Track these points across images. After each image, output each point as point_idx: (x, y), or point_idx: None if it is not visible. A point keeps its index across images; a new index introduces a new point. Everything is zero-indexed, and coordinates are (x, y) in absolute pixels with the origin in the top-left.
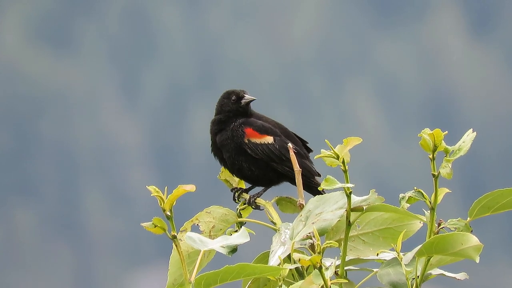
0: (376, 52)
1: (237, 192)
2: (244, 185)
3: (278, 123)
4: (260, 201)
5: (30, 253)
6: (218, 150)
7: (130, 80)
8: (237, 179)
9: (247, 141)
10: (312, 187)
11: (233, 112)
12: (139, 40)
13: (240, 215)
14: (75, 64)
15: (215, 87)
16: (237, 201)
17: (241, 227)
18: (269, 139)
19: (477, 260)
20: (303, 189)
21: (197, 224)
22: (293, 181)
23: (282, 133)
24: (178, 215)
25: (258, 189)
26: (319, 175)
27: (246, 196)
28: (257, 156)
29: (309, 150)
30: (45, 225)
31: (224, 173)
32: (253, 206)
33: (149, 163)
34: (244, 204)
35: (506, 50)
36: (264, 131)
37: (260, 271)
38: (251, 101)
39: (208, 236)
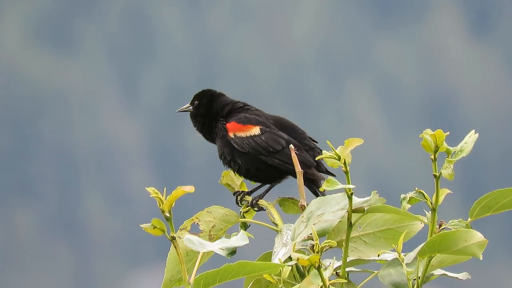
0: (376, 52)
1: (240, 196)
2: (246, 188)
3: (273, 115)
4: (262, 202)
5: (30, 253)
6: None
7: (130, 80)
8: (238, 182)
9: (233, 136)
10: (313, 180)
11: (194, 116)
12: (139, 40)
13: (244, 218)
14: (75, 64)
15: (215, 87)
16: (240, 204)
17: (245, 228)
18: (254, 130)
19: (481, 258)
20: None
21: (197, 223)
22: (292, 175)
23: (276, 125)
24: (178, 215)
25: (261, 190)
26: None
27: (249, 198)
28: (244, 150)
29: (312, 141)
30: (45, 225)
31: (225, 178)
32: (255, 209)
33: (149, 163)
34: (247, 206)
35: (506, 50)
36: (247, 121)
37: (259, 269)
38: (183, 111)
39: (208, 236)
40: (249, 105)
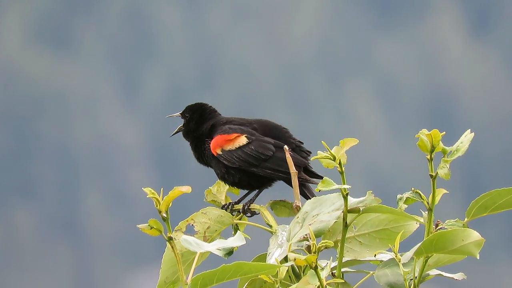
0: (376, 53)
1: (229, 208)
2: (230, 200)
3: (256, 119)
4: (254, 206)
5: (30, 253)
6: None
7: (130, 80)
8: (222, 196)
9: (220, 152)
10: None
11: (185, 133)
12: (139, 40)
13: (237, 228)
14: (75, 64)
15: (215, 87)
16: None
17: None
18: (241, 140)
19: (478, 257)
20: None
21: (192, 224)
22: (283, 180)
23: (260, 129)
24: (178, 215)
25: (250, 196)
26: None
27: (239, 207)
28: (234, 165)
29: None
30: (45, 226)
31: (209, 196)
32: (248, 214)
33: (149, 163)
34: (239, 215)
35: (505, 50)
36: (232, 131)
37: (256, 269)
38: (174, 133)
39: (203, 237)
40: (233, 118)
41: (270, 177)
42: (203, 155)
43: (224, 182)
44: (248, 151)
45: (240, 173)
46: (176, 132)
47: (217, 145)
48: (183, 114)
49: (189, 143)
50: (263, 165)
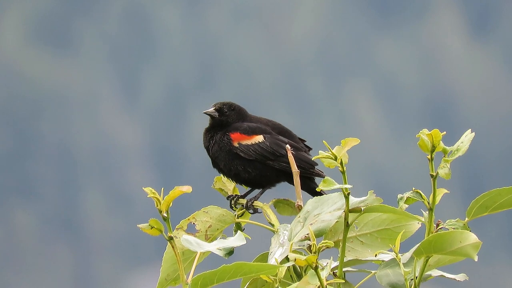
0: (376, 53)
1: (233, 200)
2: (238, 192)
3: (271, 120)
4: (257, 203)
5: (30, 253)
6: (215, 163)
7: (130, 80)
8: (231, 187)
9: (237, 145)
10: (311, 178)
11: (215, 123)
12: (139, 40)
13: (239, 226)
14: (75, 64)
15: (214, 87)
16: (234, 208)
17: (243, 229)
18: (258, 138)
19: (476, 259)
20: (302, 187)
21: (194, 223)
22: (291, 179)
23: (275, 130)
24: (178, 215)
25: (254, 193)
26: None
27: (243, 201)
28: (251, 157)
29: (307, 147)
30: (45, 226)
31: (218, 183)
32: (250, 211)
33: (149, 163)
34: (242, 209)
35: (506, 50)
36: (251, 132)
37: (256, 270)
38: (208, 114)
39: (204, 236)
40: (257, 118)
41: (284, 171)
42: (218, 147)
43: (234, 179)
44: (264, 147)
45: (254, 167)
46: (208, 114)
47: (234, 139)
48: (220, 109)
49: (204, 132)
50: (279, 159)
